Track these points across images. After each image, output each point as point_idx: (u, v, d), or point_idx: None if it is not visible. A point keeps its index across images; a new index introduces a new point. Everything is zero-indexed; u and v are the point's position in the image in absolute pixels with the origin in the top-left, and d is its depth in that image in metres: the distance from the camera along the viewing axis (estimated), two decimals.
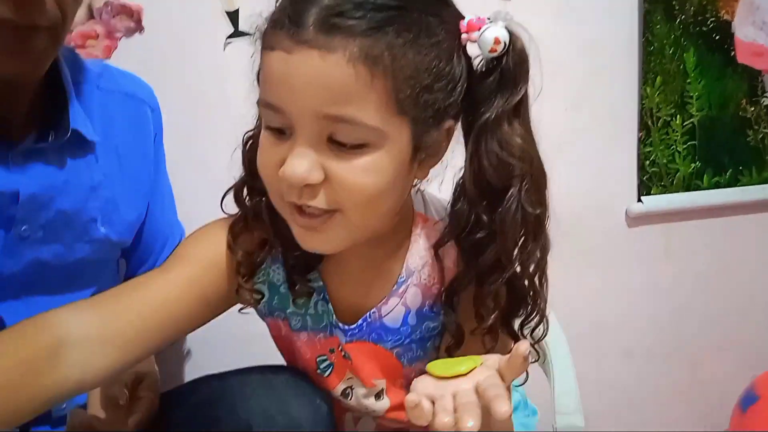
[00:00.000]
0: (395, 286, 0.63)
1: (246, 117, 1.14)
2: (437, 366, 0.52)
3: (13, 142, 0.69)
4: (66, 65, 0.75)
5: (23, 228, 0.70)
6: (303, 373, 0.66)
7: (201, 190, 1.01)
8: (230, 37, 1.06)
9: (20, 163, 0.70)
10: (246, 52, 1.12)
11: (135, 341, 0.56)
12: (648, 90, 1.18)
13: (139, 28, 1.03)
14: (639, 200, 1.23)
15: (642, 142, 1.20)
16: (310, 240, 0.55)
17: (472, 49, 0.54)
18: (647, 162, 1.21)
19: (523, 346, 0.47)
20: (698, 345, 1.32)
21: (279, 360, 0.72)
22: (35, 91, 0.71)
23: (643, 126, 1.20)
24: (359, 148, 0.51)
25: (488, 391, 0.45)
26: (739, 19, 1.20)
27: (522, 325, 0.59)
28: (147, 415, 0.71)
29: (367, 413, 0.68)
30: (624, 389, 1.30)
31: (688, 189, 1.24)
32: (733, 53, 1.21)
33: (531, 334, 0.59)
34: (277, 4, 0.53)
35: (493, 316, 0.57)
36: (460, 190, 0.57)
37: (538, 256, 0.57)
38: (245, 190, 0.62)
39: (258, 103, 0.54)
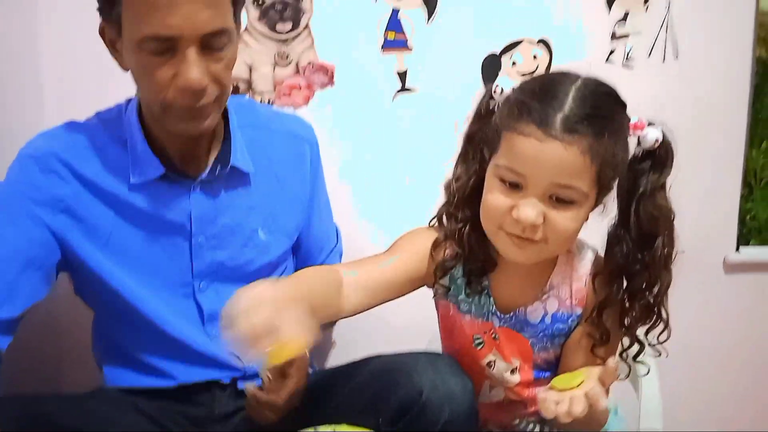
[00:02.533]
0: (540, 294, 0.86)
1: (412, 157, 1.44)
2: (558, 381, 0.75)
3: (193, 177, 0.95)
4: (238, 113, 0.99)
5: (199, 238, 0.97)
6: (454, 359, 0.89)
7: (395, 208, 1.30)
8: (398, 92, 1.33)
9: (196, 191, 0.96)
10: (408, 104, 1.44)
11: (373, 293, 0.83)
12: (753, 152, 1.33)
13: (330, 82, 1.33)
14: (737, 250, 1.36)
15: (744, 198, 1.35)
16: (515, 253, 0.79)
17: (632, 140, 0.78)
18: (748, 217, 1.35)
19: (612, 361, 0.73)
20: None
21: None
22: (212, 136, 0.96)
23: (746, 184, 1.35)
24: (570, 203, 0.75)
25: (592, 394, 0.69)
26: None
27: (647, 332, 0.82)
28: (294, 388, 0.92)
29: (501, 383, 0.90)
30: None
31: None
32: None
33: (657, 338, 0.82)
34: (518, 98, 0.77)
35: (638, 325, 0.81)
36: (615, 236, 0.81)
37: (667, 282, 0.80)
38: (445, 216, 0.87)
39: (499, 165, 0.77)
